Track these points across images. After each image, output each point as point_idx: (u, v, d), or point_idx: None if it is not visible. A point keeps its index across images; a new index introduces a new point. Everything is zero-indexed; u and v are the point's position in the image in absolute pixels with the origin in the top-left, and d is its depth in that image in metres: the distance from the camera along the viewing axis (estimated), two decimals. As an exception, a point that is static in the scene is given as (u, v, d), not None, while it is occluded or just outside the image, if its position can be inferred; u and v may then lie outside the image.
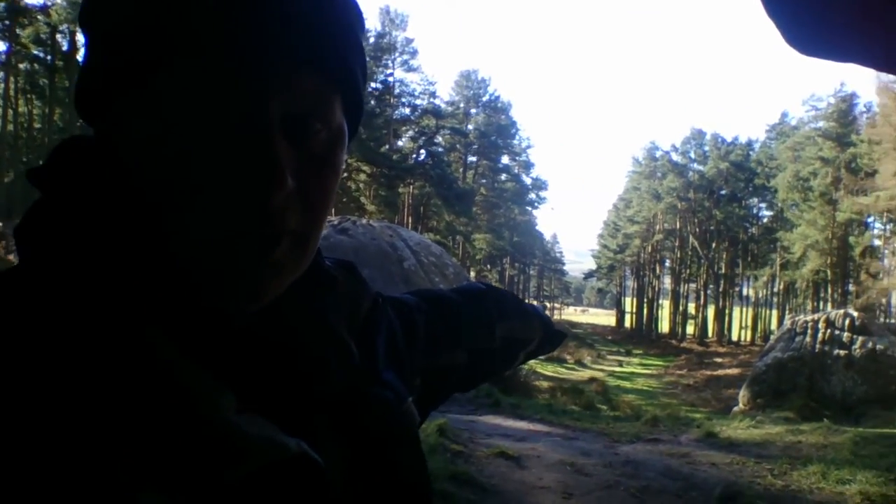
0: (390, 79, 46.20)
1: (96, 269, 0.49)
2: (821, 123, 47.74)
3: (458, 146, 54.66)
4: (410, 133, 49.49)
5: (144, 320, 0.48)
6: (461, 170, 54.39)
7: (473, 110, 56.63)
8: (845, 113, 45.77)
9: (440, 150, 51.45)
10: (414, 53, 47.30)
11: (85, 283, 0.48)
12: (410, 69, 47.25)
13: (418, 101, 48.45)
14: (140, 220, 0.51)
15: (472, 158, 57.38)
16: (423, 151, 48.70)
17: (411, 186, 45.88)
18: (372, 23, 45.26)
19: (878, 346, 15.83)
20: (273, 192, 0.48)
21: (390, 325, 0.75)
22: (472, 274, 56.50)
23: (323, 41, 0.52)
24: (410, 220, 45.54)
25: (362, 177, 43.25)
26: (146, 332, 0.47)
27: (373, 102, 42.83)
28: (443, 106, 51.89)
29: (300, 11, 0.50)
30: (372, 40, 44.07)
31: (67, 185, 0.53)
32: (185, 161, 0.48)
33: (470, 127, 55.73)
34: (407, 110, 48.20)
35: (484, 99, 56.66)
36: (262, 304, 0.53)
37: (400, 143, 48.99)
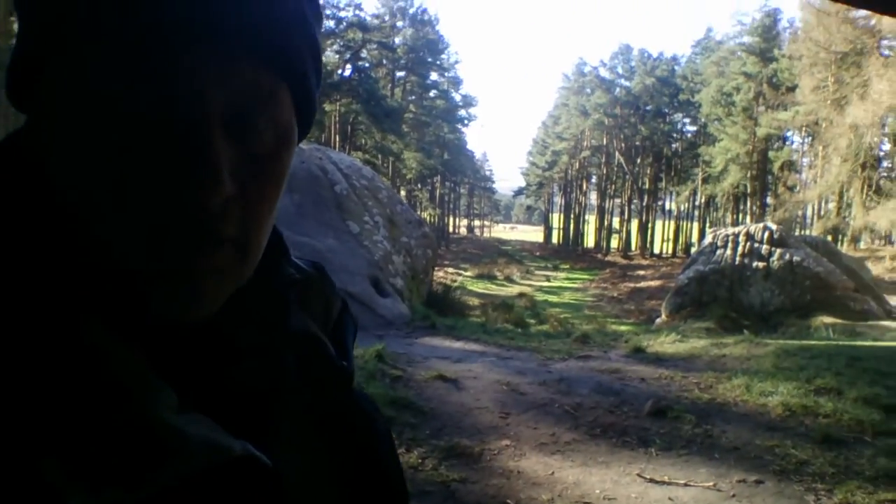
0: (313, -11, 44.12)
1: (22, 261, 0.45)
2: (745, 38, 48.47)
3: (385, 61, 53.26)
4: (335, 47, 47.81)
5: (79, 313, 0.44)
6: (389, 86, 53.19)
7: (400, 23, 55.08)
8: (769, 28, 46.49)
9: (367, 65, 50.04)
10: (336, -38, 45.26)
11: (9, 275, 0.44)
12: (333, -21, 45.28)
13: (342, 14, 46.69)
14: (65, 220, 0.47)
15: (401, 74, 56.16)
16: (349, 66, 47.24)
17: (338, 103, 44.70)
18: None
19: (795, 258, 16.55)
20: (210, 196, 0.44)
21: (354, 324, 0.72)
22: (403, 193, 56.20)
23: (271, 29, 0.47)
24: (338, 139, 44.60)
25: (286, 94, 41.76)
26: (81, 324, 0.44)
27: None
28: (368, 19, 50.23)
29: None
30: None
31: None
32: (110, 161, 0.44)
33: (397, 41, 54.28)
34: (331, 23, 46.37)
35: (410, 11, 55.13)
36: (205, 312, 0.48)
37: (324, 57, 47.38)
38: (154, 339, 0.48)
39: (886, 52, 31.68)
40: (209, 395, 0.50)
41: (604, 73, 62.61)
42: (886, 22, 26.99)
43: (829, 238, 28.73)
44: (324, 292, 0.67)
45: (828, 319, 14.80)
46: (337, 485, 0.61)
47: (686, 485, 4.55)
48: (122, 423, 0.42)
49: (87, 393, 0.42)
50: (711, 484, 4.55)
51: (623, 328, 17.40)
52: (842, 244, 33.59)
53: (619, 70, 62.01)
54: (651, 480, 4.64)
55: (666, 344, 9.30)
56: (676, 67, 59.54)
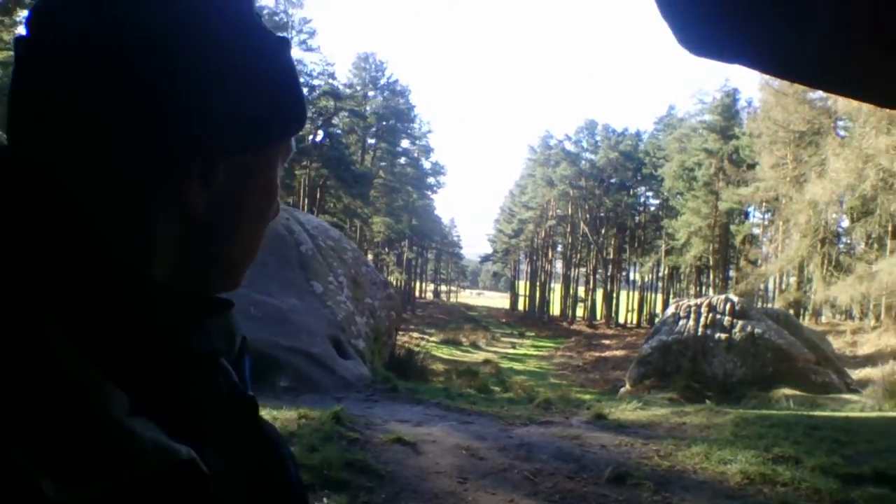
0: (287, 58, 44.65)
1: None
2: (706, 116, 50.07)
3: (356, 129, 54.00)
4: (308, 114, 48.34)
5: (41, 317, 0.48)
6: (360, 152, 53.80)
7: (371, 93, 56.04)
8: (729, 107, 48.14)
9: (338, 132, 50.70)
10: (312, 34, 46.20)
11: None
12: (308, 49, 46.12)
13: (315, 82, 47.44)
14: (63, 228, 0.53)
15: (371, 141, 56.85)
16: (320, 132, 47.79)
17: (308, 168, 44.99)
18: (267, 0, 43.79)
19: (757, 330, 16.74)
20: None
21: (251, 366, 0.78)
22: (370, 256, 56.13)
23: None
24: (307, 202, 44.71)
25: (257, 157, 41.95)
26: (45, 329, 0.47)
27: (269, 81, 41.46)
28: (341, 88, 51.08)
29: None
30: (266, 19, 42.44)
31: None
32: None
33: (368, 109, 55.15)
34: (304, 90, 46.96)
35: (382, 82, 56.16)
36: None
37: (296, 123, 47.74)
38: (110, 346, 0.51)
39: (842, 132, 32.87)
40: (154, 401, 0.52)
41: (569, 146, 64.08)
42: (842, 103, 28.08)
43: (791, 311, 29.18)
44: (228, 327, 0.71)
45: (789, 391, 14.89)
46: (248, 488, 0.64)
47: (644, 552, 4.47)
48: (87, 423, 0.45)
49: (46, 393, 0.45)
50: (669, 552, 4.47)
51: (587, 396, 17.32)
52: (803, 318, 34.09)
53: (584, 144, 63.54)
54: (609, 548, 4.55)
55: (627, 411, 9.25)
56: (640, 143, 61.13)
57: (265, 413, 6.81)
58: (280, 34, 0.66)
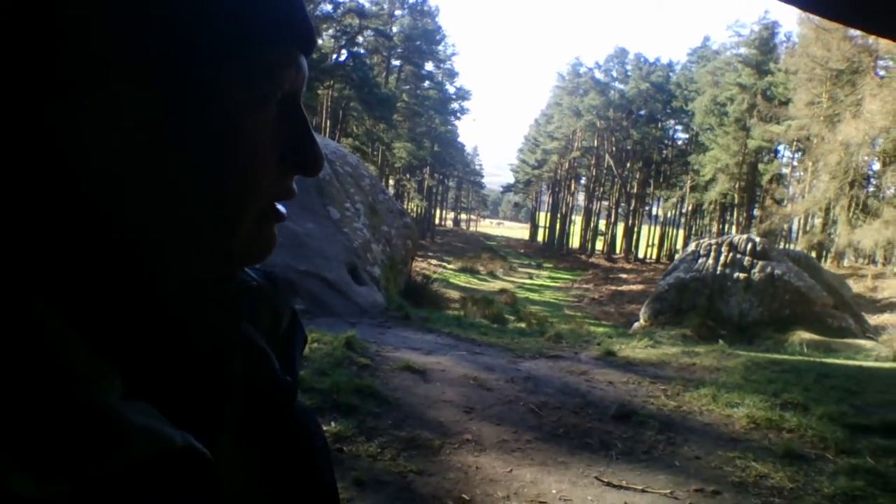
0: (312, -28, 43.63)
1: None
2: (742, 50, 48.60)
3: (381, 49, 52.95)
4: (331, 31, 47.46)
5: (33, 292, 0.43)
6: (384, 74, 52.89)
7: (398, 12, 54.76)
8: (766, 41, 46.62)
9: (362, 52, 49.73)
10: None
11: None
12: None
13: (341, -1, 46.34)
14: (60, 199, 0.44)
15: (396, 63, 55.86)
16: (344, 52, 46.92)
17: (330, 89, 44.40)
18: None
19: (777, 272, 16.59)
20: None
21: (304, 337, 0.70)
22: (392, 182, 56.01)
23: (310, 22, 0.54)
24: (328, 124, 44.33)
25: (279, 75, 41.40)
26: (34, 304, 0.43)
27: (293, -4, 40.52)
28: (367, 5, 49.88)
29: None
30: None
31: None
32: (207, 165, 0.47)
33: (395, 29, 53.98)
34: (329, 7, 45.97)
35: (410, 1, 54.85)
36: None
37: (320, 41, 46.93)
38: (106, 324, 0.47)
39: (882, 72, 31.78)
40: (155, 385, 0.49)
41: (599, 75, 62.72)
42: (884, 42, 27.05)
43: (814, 254, 28.86)
44: (273, 303, 0.64)
45: (805, 334, 14.85)
46: (269, 497, 0.60)
47: (643, 491, 4.51)
48: (68, 408, 0.41)
49: (35, 376, 0.41)
50: (668, 492, 4.51)
51: (600, 330, 17.42)
52: (825, 260, 33.76)
53: (614, 73, 62.11)
54: (608, 484, 4.59)
55: (637, 349, 9.26)
56: (671, 74, 59.63)
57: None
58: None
